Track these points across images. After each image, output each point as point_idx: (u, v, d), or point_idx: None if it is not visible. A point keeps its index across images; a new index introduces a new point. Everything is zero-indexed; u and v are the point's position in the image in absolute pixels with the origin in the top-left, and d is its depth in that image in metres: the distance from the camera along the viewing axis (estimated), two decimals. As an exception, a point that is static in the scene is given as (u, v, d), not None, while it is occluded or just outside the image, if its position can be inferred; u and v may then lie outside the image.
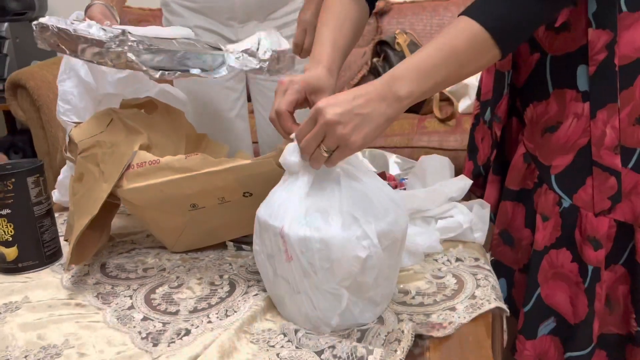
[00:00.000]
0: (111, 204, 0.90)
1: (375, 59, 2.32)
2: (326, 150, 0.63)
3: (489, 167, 0.97)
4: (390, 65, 2.15)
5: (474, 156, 1.01)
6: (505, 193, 0.91)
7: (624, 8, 0.74)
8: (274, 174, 0.73)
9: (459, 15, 0.68)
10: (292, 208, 0.63)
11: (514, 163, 0.89)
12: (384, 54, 2.28)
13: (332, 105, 0.63)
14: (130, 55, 0.80)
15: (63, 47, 0.81)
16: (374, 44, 2.36)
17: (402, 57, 2.17)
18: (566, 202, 0.81)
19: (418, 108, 2.18)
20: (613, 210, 0.78)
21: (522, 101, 0.89)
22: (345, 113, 0.62)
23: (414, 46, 2.22)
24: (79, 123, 0.96)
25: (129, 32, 0.81)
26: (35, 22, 0.81)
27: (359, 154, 0.87)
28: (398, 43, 2.19)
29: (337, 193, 0.64)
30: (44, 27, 0.81)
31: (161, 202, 0.79)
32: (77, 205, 0.84)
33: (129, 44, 0.80)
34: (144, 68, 0.81)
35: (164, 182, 0.77)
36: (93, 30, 0.80)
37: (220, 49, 0.91)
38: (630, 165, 0.77)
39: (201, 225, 0.84)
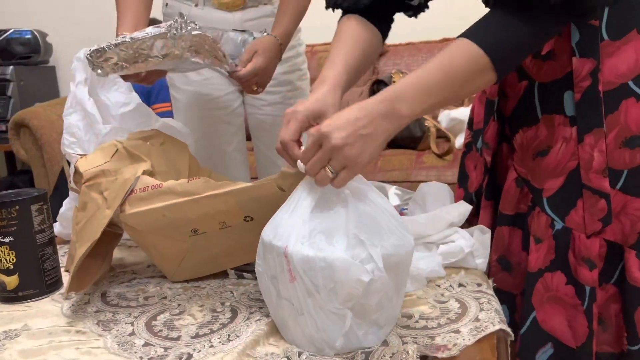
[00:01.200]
0: (113, 234, 0.90)
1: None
2: (332, 172, 0.64)
3: (481, 194, 0.98)
4: (388, 103, 2.19)
5: (465, 184, 1.02)
6: (500, 218, 0.92)
7: (605, 36, 0.77)
8: (276, 197, 0.73)
9: (458, 37, 0.70)
10: (296, 228, 0.64)
11: (507, 188, 0.90)
12: (381, 92, 2.34)
13: (336, 129, 0.64)
14: (196, 32, 0.82)
15: (122, 63, 0.80)
16: (371, 83, 2.42)
17: (398, 95, 2.21)
18: (558, 224, 0.82)
19: (415, 145, 2.21)
20: (603, 231, 0.79)
21: (512, 127, 0.91)
22: (350, 136, 0.64)
23: (410, 85, 2.27)
24: (83, 155, 0.97)
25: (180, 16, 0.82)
26: (87, 53, 0.78)
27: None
28: (394, 82, 2.25)
29: (343, 214, 0.64)
30: (99, 51, 0.78)
31: (163, 226, 0.79)
32: (79, 234, 0.84)
33: (190, 25, 0.82)
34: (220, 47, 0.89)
35: (166, 205, 0.77)
36: (148, 30, 0.80)
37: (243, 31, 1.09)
38: (618, 187, 0.78)
39: (202, 252, 0.84)
